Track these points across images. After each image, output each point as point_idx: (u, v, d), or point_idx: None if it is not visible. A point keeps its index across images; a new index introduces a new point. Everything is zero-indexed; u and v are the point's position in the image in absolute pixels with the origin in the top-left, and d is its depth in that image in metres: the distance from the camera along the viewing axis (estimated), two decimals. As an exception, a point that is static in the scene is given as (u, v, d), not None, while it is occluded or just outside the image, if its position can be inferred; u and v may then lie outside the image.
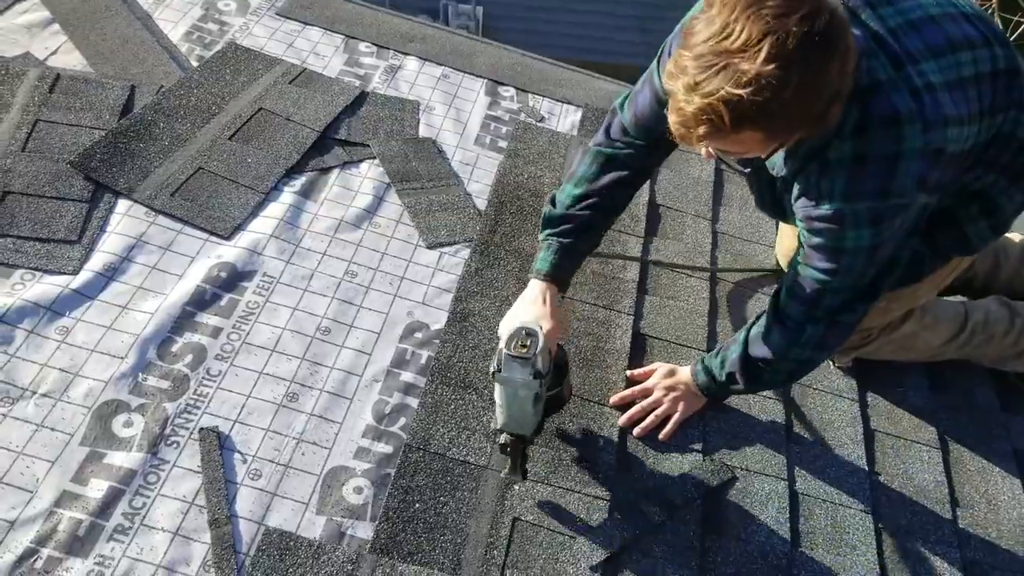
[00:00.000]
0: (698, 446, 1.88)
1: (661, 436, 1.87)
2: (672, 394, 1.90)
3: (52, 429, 1.58)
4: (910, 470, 1.99)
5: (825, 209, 1.53)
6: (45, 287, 1.78)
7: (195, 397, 1.69)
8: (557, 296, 1.76)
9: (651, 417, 1.88)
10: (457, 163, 2.42)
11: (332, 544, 1.55)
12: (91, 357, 1.70)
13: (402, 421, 1.77)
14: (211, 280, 1.90)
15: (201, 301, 1.86)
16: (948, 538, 1.88)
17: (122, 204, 2.01)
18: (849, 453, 1.97)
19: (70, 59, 2.37)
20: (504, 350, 1.55)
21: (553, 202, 1.87)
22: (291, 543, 1.52)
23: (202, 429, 1.65)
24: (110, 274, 1.86)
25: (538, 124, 2.66)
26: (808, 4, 1.30)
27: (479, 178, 2.40)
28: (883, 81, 1.47)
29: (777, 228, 2.38)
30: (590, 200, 1.82)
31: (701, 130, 1.37)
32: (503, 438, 1.61)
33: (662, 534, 1.70)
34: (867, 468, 1.95)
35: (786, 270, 2.25)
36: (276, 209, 2.11)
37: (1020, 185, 1.77)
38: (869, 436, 2.03)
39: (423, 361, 1.90)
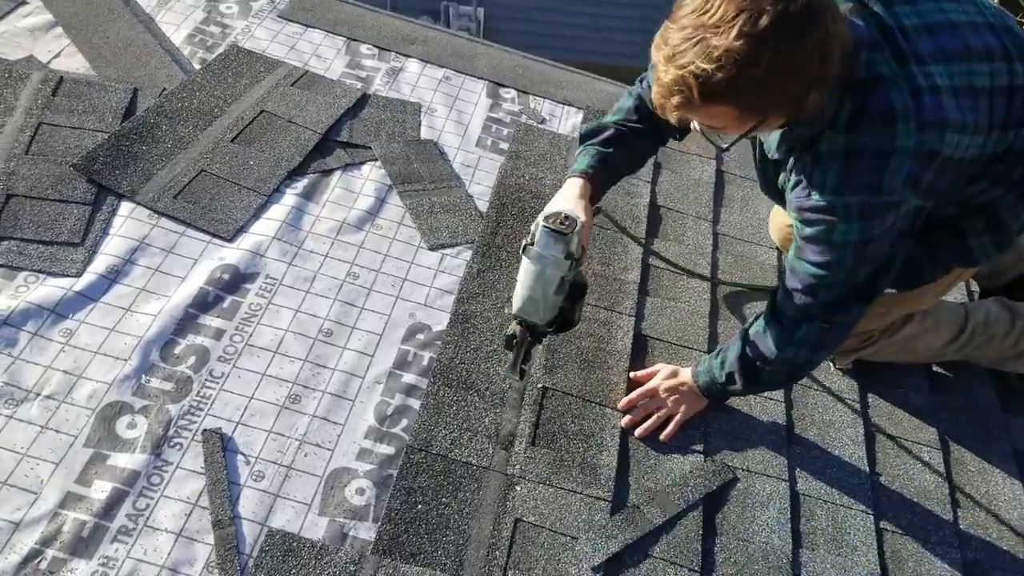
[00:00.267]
0: (699, 447, 1.89)
1: (662, 437, 1.87)
2: (674, 395, 1.90)
3: (56, 431, 1.59)
4: (911, 471, 1.99)
5: (816, 201, 1.55)
6: (49, 289, 1.79)
7: (198, 399, 1.70)
8: (589, 203, 1.79)
9: (653, 418, 1.88)
10: (458, 165, 2.43)
11: (335, 545, 1.55)
12: (95, 359, 1.71)
13: (404, 422, 1.78)
14: (214, 282, 1.91)
15: (204, 303, 1.87)
16: (949, 538, 1.88)
17: (125, 206, 2.02)
18: (850, 454, 1.97)
19: (73, 62, 2.38)
20: (542, 223, 1.55)
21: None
22: (294, 544, 1.53)
23: (205, 431, 1.65)
24: (113, 276, 1.86)
25: (539, 126, 2.67)
26: None
27: (480, 180, 2.40)
28: (884, 76, 1.47)
29: None
30: (629, 123, 1.90)
31: (674, 100, 1.42)
32: (511, 328, 1.62)
33: (664, 535, 1.71)
34: (868, 469, 1.95)
35: (778, 245, 2.27)
36: (278, 211, 2.12)
37: None
38: (870, 437, 2.03)
39: (425, 363, 1.90)
